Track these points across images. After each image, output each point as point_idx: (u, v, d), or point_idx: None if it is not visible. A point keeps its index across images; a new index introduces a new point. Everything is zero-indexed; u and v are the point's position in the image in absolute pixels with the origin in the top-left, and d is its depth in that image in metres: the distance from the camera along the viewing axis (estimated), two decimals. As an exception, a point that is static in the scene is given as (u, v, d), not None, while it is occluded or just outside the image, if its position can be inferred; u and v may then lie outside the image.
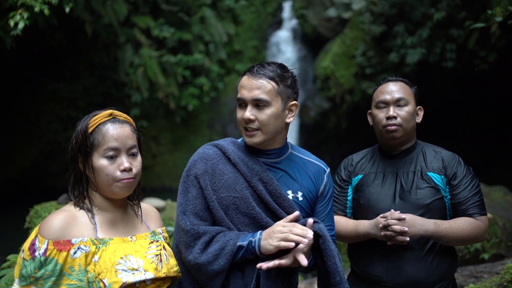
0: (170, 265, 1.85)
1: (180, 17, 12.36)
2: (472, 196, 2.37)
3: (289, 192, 2.04)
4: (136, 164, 1.83)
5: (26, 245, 1.72)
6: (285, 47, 13.29)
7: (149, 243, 1.86)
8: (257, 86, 1.97)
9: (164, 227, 2.03)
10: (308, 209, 2.08)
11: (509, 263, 3.38)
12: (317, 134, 11.69)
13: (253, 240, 1.86)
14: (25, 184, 11.16)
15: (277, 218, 1.94)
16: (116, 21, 10.70)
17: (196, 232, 1.91)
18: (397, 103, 2.44)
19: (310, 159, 2.18)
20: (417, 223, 2.25)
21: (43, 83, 11.41)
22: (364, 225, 2.35)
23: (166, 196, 7.15)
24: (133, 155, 1.83)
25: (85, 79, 11.50)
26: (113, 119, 1.84)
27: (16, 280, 1.69)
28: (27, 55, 10.02)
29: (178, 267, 1.90)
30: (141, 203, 2.02)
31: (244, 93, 1.99)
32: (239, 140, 2.17)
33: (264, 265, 1.81)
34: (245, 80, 2.01)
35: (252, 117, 1.97)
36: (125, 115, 1.90)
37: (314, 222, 1.93)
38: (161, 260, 1.82)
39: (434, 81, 8.99)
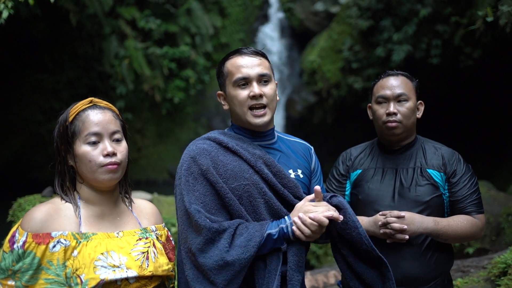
0: (158, 264, 1.78)
1: (166, 9, 12.25)
2: (470, 194, 2.37)
3: (290, 171, 2.06)
4: (121, 149, 1.78)
5: (7, 237, 1.68)
6: (271, 41, 13.26)
7: (137, 240, 1.79)
8: (257, 63, 2.01)
9: (160, 225, 1.95)
10: (308, 185, 2.12)
11: (496, 258, 3.41)
12: (303, 128, 11.70)
13: (284, 226, 1.83)
14: (7, 176, 10.99)
15: (283, 200, 1.93)
16: (101, 11, 10.55)
17: (218, 227, 1.82)
18: (398, 98, 2.41)
19: (295, 140, 2.24)
20: (416, 221, 2.25)
21: (25, 74, 11.23)
22: (362, 222, 2.34)
23: (151, 189, 7.10)
24: (117, 141, 1.78)
25: (69, 70, 11.34)
26: (93, 105, 1.80)
27: None
28: (9, 45, 9.83)
29: (169, 266, 1.84)
30: (137, 199, 1.96)
31: (247, 71, 1.99)
32: (226, 130, 2.16)
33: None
34: (241, 60, 2.01)
35: (262, 92, 1.98)
36: (106, 102, 1.86)
37: (333, 196, 1.94)
38: (147, 258, 1.76)
39: (420, 77, 8.98)
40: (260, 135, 2.08)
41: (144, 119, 12.45)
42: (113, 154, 1.74)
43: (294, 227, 1.82)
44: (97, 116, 1.76)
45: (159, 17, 12.14)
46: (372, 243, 1.89)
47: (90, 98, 1.82)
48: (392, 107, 2.40)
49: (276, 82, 2.12)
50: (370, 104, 2.56)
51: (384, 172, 2.45)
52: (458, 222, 2.32)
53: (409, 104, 2.41)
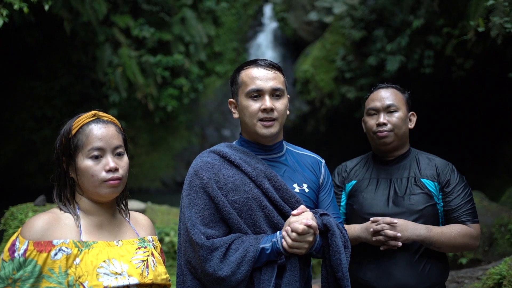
0: (157, 272, 1.80)
1: (161, 17, 12.28)
2: (464, 203, 2.39)
3: (295, 185, 2.05)
4: (123, 164, 1.79)
5: (7, 246, 1.67)
6: (265, 50, 13.31)
7: (136, 249, 1.81)
8: (272, 76, 2.01)
9: (155, 236, 1.97)
10: (315, 200, 2.12)
11: (491, 269, 3.42)
12: (296, 137, 11.72)
13: (275, 240, 1.85)
14: (-2, 184, 10.92)
15: (283, 214, 1.94)
16: (95, 19, 10.56)
17: (211, 245, 1.86)
18: (387, 109, 2.45)
19: (304, 153, 2.22)
20: (409, 228, 2.27)
21: (18, 81, 11.20)
22: (354, 229, 2.36)
23: (144, 198, 7.07)
24: (119, 155, 1.79)
25: (62, 78, 11.32)
26: (97, 119, 1.80)
27: None
28: (3, 52, 9.81)
29: (167, 275, 1.85)
30: (132, 211, 1.97)
31: (261, 84, 1.99)
32: (234, 143, 2.16)
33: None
34: (257, 71, 2.01)
35: (273, 106, 1.98)
36: (109, 115, 1.86)
37: (324, 214, 1.96)
38: (147, 266, 1.77)
39: (413, 87, 9.05)
40: (266, 148, 2.08)
41: (137, 127, 12.43)
42: (115, 169, 1.75)
43: (282, 240, 1.85)
44: (101, 131, 1.77)
45: (153, 26, 12.16)
46: (347, 274, 1.92)
47: (93, 112, 1.82)
48: (382, 118, 2.43)
49: (288, 96, 2.12)
50: (363, 118, 2.59)
51: (379, 182, 2.47)
52: (452, 231, 2.33)
53: (399, 114, 2.44)
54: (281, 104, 2.01)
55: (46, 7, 5.92)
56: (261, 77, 2.00)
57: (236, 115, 2.10)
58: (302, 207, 1.88)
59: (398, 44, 8.73)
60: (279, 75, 2.04)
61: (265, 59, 2.06)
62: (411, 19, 8.60)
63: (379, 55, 9.11)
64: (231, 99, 2.13)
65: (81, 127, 1.77)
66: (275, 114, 2.00)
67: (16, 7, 5.41)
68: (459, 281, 3.87)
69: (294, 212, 1.87)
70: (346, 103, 10.19)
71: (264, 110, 1.98)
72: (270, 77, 2.00)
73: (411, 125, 2.55)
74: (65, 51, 11.13)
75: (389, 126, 2.42)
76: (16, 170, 11.48)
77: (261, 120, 1.99)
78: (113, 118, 1.86)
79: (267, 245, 1.85)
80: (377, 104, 2.47)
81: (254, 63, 2.05)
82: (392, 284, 2.30)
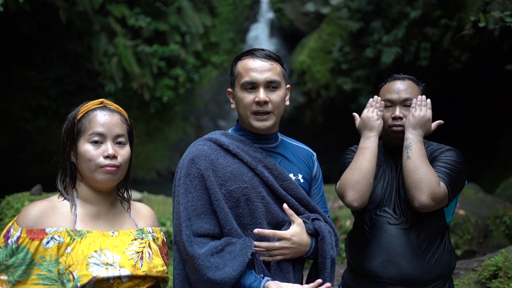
0: (153, 264, 1.78)
1: (157, 7, 12.20)
2: (443, 167, 2.31)
3: (291, 175, 2.05)
4: (123, 153, 1.79)
5: (2, 232, 1.69)
6: (261, 41, 13.26)
7: (132, 240, 1.80)
8: (268, 68, 1.98)
9: (157, 228, 1.96)
10: (308, 191, 2.12)
11: (487, 261, 3.44)
12: (293, 128, 11.71)
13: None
14: (-7, 173, 10.89)
15: (282, 203, 1.94)
16: (90, 8, 10.48)
17: (193, 254, 1.84)
18: (404, 103, 2.42)
19: (298, 145, 2.23)
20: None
21: (13, 71, 11.12)
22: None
23: (139, 188, 7.07)
24: (120, 144, 1.80)
25: (58, 67, 11.25)
26: (103, 107, 1.83)
27: None
28: (-3, 41, 9.74)
29: (164, 267, 1.84)
30: (134, 202, 1.97)
31: (256, 76, 1.96)
32: (230, 131, 2.15)
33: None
34: (252, 62, 1.98)
35: (267, 99, 1.95)
36: (116, 105, 1.89)
37: (316, 219, 1.97)
38: (142, 258, 1.76)
39: (409, 79, 9.07)
40: (262, 138, 2.07)
41: (132, 117, 12.31)
42: (114, 156, 1.75)
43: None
44: (104, 118, 1.79)
45: (149, 15, 12.09)
46: (329, 278, 1.94)
47: (101, 99, 1.85)
48: (398, 111, 2.41)
49: (288, 86, 2.11)
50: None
51: (386, 170, 2.45)
52: (427, 164, 2.26)
53: None
54: (276, 96, 1.99)
55: (41, -4, 5.87)
56: (256, 68, 1.96)
57: (233, 105, 2.09)
58: (285, 206, 1.90)
59: (395, 35, 8.71)
60: (275, 66, 2.00)
61: (263, 49, 2.03)
62: (408, 11, 8.57)
63: (376, 47, 9.09)
64: (229, 89, 2.11)
65: (86, 113, 1.79)
66: (270, 106, 1.97)
67: (11, -5, 5.36)
68: (455, 272, 3.89)
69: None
70: (343, 95, 10.18)
71: (258, 103, 1.95)
72: (265, 69, 1.97)
73: None
74: (61, 41, 11.05)
75: (404, 120, 2.40)
76: (12, 160, 11.44)
77: (255, 113, 1.97)
78: (120, 108, 1.89)
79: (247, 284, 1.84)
80: (394, 96, 2.44)
81: (251, 53, 2.01)
82: (398, 274, 2.28)
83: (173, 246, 2.02)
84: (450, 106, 9.72)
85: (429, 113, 2.38)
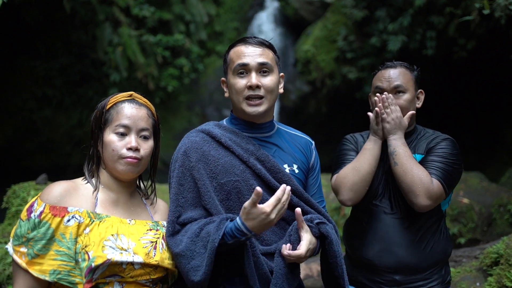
0: (165, 255, 1.83)
1: (161, -4, 12.16)
2: (438, 161, 2.31)
3: (285, 166, 2.05)
4: (145, 147, 1.85)
5: (26, 206, 1.74)
6: (266, 30, 13.19)
7: (147, 230, 1.85)
8: (260, 52, 1.98)
9: None
10: (304, 181, 2.11)
11: (488, 248, 3.45)
12: (297, 117, 11.70)
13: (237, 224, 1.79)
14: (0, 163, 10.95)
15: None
16: (95, -2, 10.47)
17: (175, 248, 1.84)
18: (395, 90, 2.43)
19: (295, 133, 2.21)
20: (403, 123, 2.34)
21: (18, 61, 11.13)
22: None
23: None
24: (144, 138, 1.85)
25: (62, 57, 11.24)
26: (132, 99, 1.88)
27: (11, 240, 1.71)
28: (1, 32, 9.74)
29: (173, 261, 1.87)
30: (156, 198, 2.02)
31: (248, 59, 1.96)
32: (224, 121, 2.15)
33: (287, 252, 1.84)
34: (244, 48, 1.98)
35: (259, 83, 1.95)
36: (146, 100, 1.93)
37: (321, 223, 1.96)
38: (155, 248, 1.80)
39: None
40: (256, 126, 2.06)
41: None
42: (136, 149, 1.81)
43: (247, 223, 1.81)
44: (131, 110, 1.84)
45: (153, 5, 12.05)
46: (344, 273, 1.95)
47: (131, 92, 1.91)
48: None
49: (282, 74, 2.10)
50: (370, 94, 2.58)
51: (383, 160, 2.46)
52: (418, 165, 2.27)
53: (406, 96, 2.43)
54: (269, 81, 1.98)
55: (45, -15, 5.86)
56: (247, 53, 1.97)
57: (227, 94, 2.09)
58: (283, 187, 1.81)
59: (400, 24, 8.65)
60: (268, 52, 2.00)
61: (255, 37, 2.03)
62: (413, -2, 8.50)
63: (381, 36, 9.03)
64: (223, 78, 2.11)
65: (115, 104, 1.85)
66: (262, 91, 1.96)
67: (15, -15, 5.35)
68: (457, 260, 3.91)
69: (278, 193, 1.78)
70: (347, 84, 10.13)
71: (250, 87, 1.94)
72: (257, 53, 1.97)
73: (419, 103, 2.53)
74: (65, 31, 11.04)
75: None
76: (17, 150, 11.48)
77: (247, 98, 1.96)
78: (149, 103, 1.93)
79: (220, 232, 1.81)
80: (385, 84, 2.45)
81: (244, 40, 2.01)
82: (394, 262, 2.31)
83: None
84: (455, 94, 9.68)
85: (398, 109, 2.37)
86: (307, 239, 1.88)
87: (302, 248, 1.86)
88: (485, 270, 3.39)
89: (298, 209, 1.88)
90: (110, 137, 1.80)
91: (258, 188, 1.71)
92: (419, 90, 2.53)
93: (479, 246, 4.19)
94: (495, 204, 4.99)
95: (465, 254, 3.93)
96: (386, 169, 2.43)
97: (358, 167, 2.34)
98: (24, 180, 4.41)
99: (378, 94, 2.42)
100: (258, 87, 1.95)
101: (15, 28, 10.19)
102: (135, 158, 1.80)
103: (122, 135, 1.80)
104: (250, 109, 1.98)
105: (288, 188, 1.77)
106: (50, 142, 11.32)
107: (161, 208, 2.02)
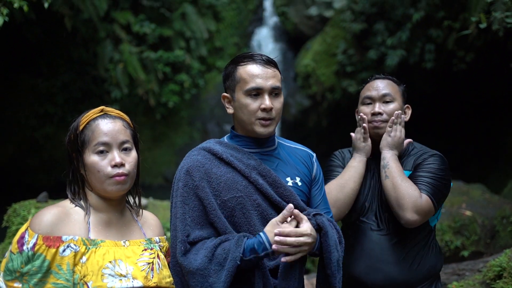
0: (162, 275, 1.79)
1: (161, 13, 12.24)
2: (425, 176, 2.30)
3: (288, 179, 2.05)
4: (130, 160, 1.78)
5: (15, 238, 1.66)
6: (266, 45, 13.27)
7: (142, 250, 1.80)
8: (272, 74, 1.99)
9: (163, 237, 1.97)
10: (308, 194, 2.11)
11: (491, 261, 3.43)
12: (298, 131, 11.71)
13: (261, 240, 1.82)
14: (1, 181, 10.94)
15: (279, 210, 1.92)
16: (96, 16, 10.53)
17: (186, 266, 1.86)
18: (383, 99, 2.44)
19: (296, 146, 2.22)
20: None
21: (20, 78, 11.19)
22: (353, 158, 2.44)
23: (146, 194, 7.07)
24: (126, 150, 1.78)
25: (64, 75, 11.30)
26: (104, 115, 1.80)
27: (1, 274, 1.62)
28: (4, 50, 9.81)
29: (171, 278, 1.85)
30: (142, 210, 1.96)
31: (261, 82, 1.96)
32: (225, 138, 2.15)
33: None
34: (256, 68, 1.98)
35: (272, 106, 1.97)
36: (117, 111, 1.86)
37: (317, 214, 1.96)
38: (152, 269, 1.76)
39: (414, 81, 9.06)
40: (260, 142, 2.07)
41: (138, 123, 12.10)
42: (121, 164, 1.73)
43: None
44: (107, 126, 1.76)
45: (154, 22, 12.13)
46: (336, 272, 1.93)
47: (101, 107, 1.82)
48: (377, 107, 2.43)
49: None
50: (357, 109, 2.59)
51: (369, 175, 2.47)
52: (407, 180, 2.27)
53: (394, 105, 2.44)
54: (279, 103, 2.01)
55: (46, 5, 5.92)
56: (261, 75, 1.97)
57: (230, 111, 2.07)
58: (290, 206, 1.84)
59: (399, 38, 8.70)
60: (277, 73, 2.02)
61: (262, 54, 2.04)
62: (412, 12, 8.56)
63: (380, 49, 9.08)
64: (225, 94, 2.09)
65: (88, 123, 1.76)
66: (273, 113, 1.99)
67: (16, 5, 5.41)
68: (460, 274, 3.88)
69: (282, 216, 1.83)
70: (348, 97, 10.17)
71: (264, 110, 1.96)
72: (269, 76, 1.98)
73: (406, 118, 2.53)
74: (66, 48, 11.11)
75: (384, 116, 2.42)
76: (18, 167, 11.49)
77: (260, 119, 1.98)
78: (121, 113, 1.86)
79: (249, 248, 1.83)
80: (373, 93, 2.46)
81: (252, 59, 2.01)
82: (381, 279, 2.29)
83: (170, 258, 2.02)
84: (455, 106, 9.69)
85: (403, 133, 2.39)
86: (307, 224, 1.87)
87: (305, 225, 1.85)
88: (488, 283, 3.36)
89: (290, 204, 1.87)
90: (92, 158, 1.72)
91: (291, 205, 1.79)
92: (406, 105, 2.54)
93: (482, 259, 4.16)
94: (498, 216, 4.96)
95: (468, 267, 3.90)
96: (372, 186, 2.43)
97: (343, 183, 2.36)
98: (25, 198, 4.40)
99: (362, 114, 2.45)
100: (271, 109, 1.98)
101: (17, 46, 10.27)
102: (122, 174, 1.72)
103: (103, 153, 1.73)
104: (262, 130, 1.99)
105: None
106: (51, 159, 11.32)
107: (152, 223, 1.97)
